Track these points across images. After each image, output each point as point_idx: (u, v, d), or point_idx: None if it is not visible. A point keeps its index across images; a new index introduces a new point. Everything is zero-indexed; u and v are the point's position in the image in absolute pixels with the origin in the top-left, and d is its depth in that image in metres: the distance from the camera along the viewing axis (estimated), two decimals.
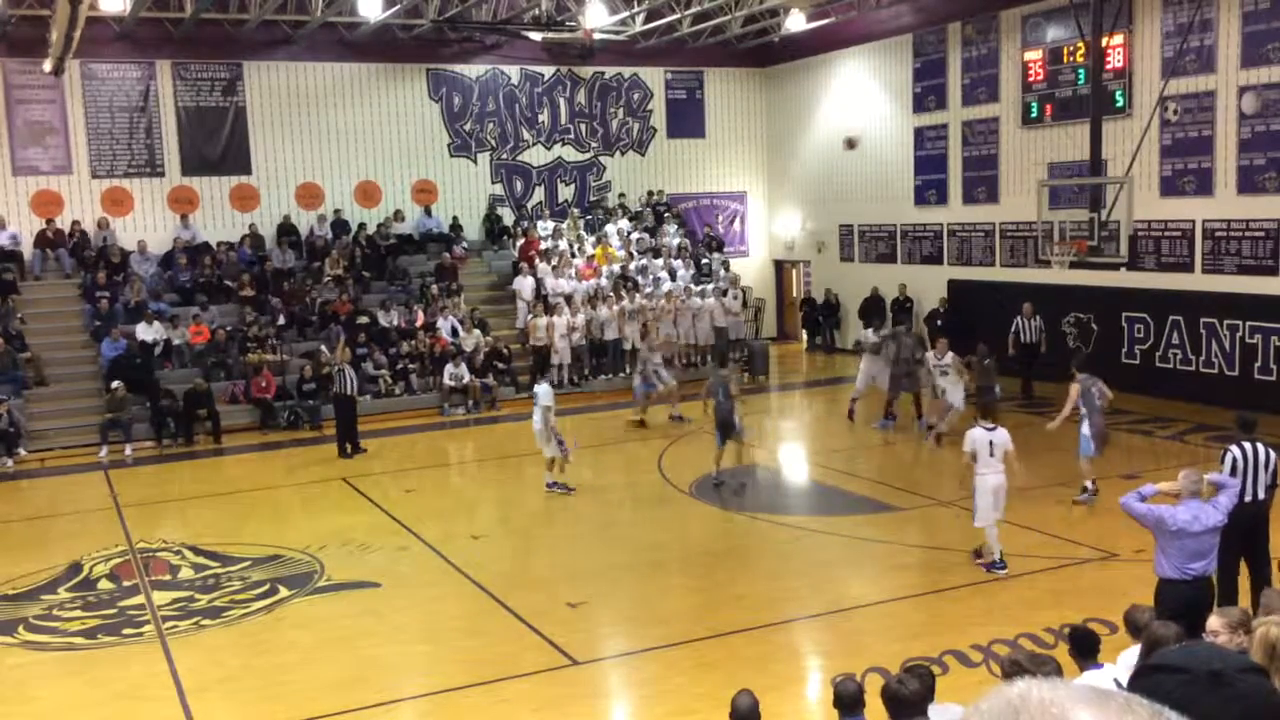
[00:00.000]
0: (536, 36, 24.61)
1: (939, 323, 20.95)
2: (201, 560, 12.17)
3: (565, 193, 26.17)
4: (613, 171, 26.60)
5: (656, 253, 24.92)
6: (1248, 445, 8.71)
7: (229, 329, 20.56)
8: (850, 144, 24.39)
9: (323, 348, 19.61)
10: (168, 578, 11.64)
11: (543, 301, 22.34)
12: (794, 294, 28.06)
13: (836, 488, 14.69)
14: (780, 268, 28.39)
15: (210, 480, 16.61)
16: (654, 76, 26.73)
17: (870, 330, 18.60)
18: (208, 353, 20.18)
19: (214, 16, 21.78)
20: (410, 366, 20.94)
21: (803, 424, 20.44)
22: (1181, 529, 7.42)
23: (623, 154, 26.67)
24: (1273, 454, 8.76)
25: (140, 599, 10.92)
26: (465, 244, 24.42)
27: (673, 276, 24.27)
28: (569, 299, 22.26)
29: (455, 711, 8.27)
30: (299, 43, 22.82)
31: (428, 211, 24.74)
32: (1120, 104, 18.81)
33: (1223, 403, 16.25)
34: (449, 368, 20.56)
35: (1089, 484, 12.89)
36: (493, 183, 25.43)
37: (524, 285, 22.92)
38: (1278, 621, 4.72)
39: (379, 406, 20.17)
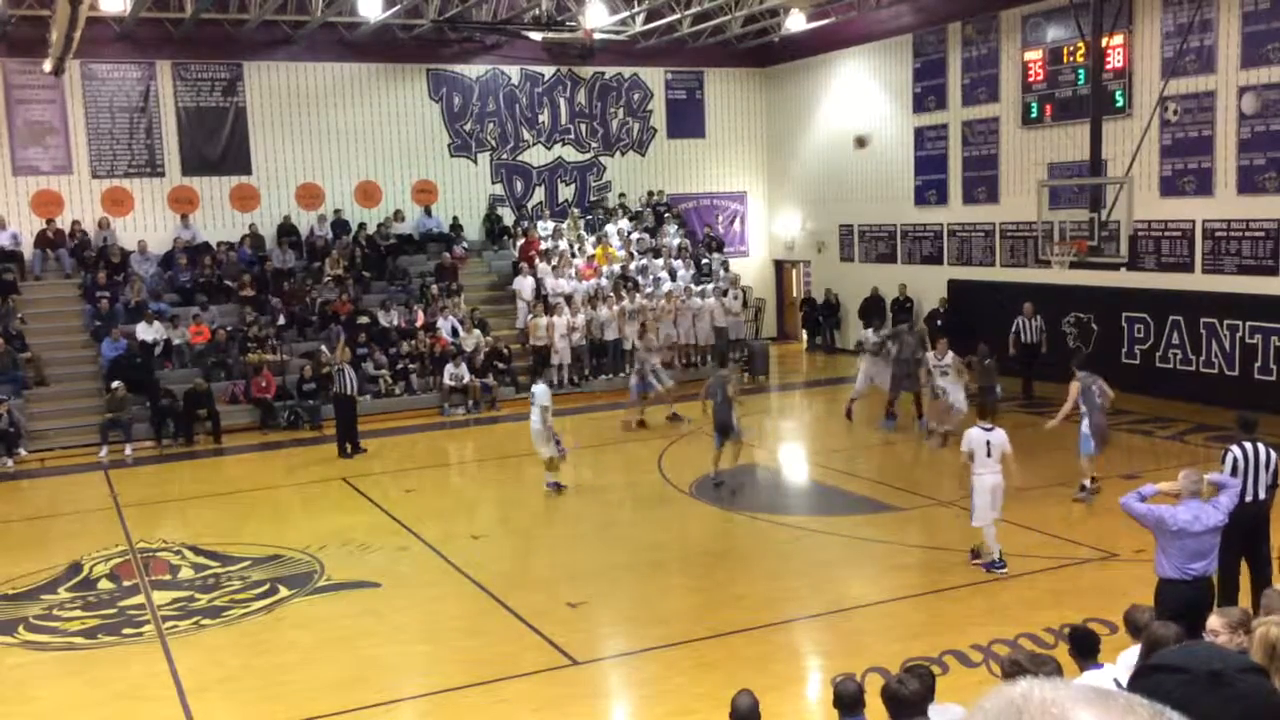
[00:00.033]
0: (537, 36, 24.61)
1: (939, 323, 20.96)
2: (201, 560, 12.17)
3: (565, 193, 26.17)
4: (613, 171, 26.60)
5: (656, 253, 24.92)
6: (1248, 445, 8.71)
7: (229, 329, 20.56)
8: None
9: (323, 348, 19.61)
10: (168, 577, 11.64)
11: (543, 301, 22.34)
12: (794, 294, 28.06)
13: (836, 488, 14.69)
14: (780, 268, 28.39)
15: (210, 480, 16.61)
16: (654, 76, 26.73)
17: (870, 331, 18.59)
18: (208, 353, 20.18)
19: (214, 16, 21.78)
20: (410, 366, 20.95)
21: (803, 424, 20.44)
22: (1182, 529, 7.42)
23: (623, 154, 26.67)
24: (1274, 454, 8.76)
25: (140, 599, 10.92)
26: (465, 244, 24.42)
27: (673, 276, 24.27)
28: (569, 299, 22.27)
29: (455, 711, 8.27)
30: (299, 43, 22.82)
31: (428, 211, 24.74)
32: (1120, 104, 18.80)
33: (1223, 403, 16.25)
34: (449, 368, 20.56)
35: (1086, 482, 12.93)
36: (493, 183, 25.43)
37: (524, 285, 22.92)
38: (1278, 621, 4.72)
39: (379, 406, 20.17)
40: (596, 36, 24.50)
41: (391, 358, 20.93)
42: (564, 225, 25.16)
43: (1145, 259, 18.50)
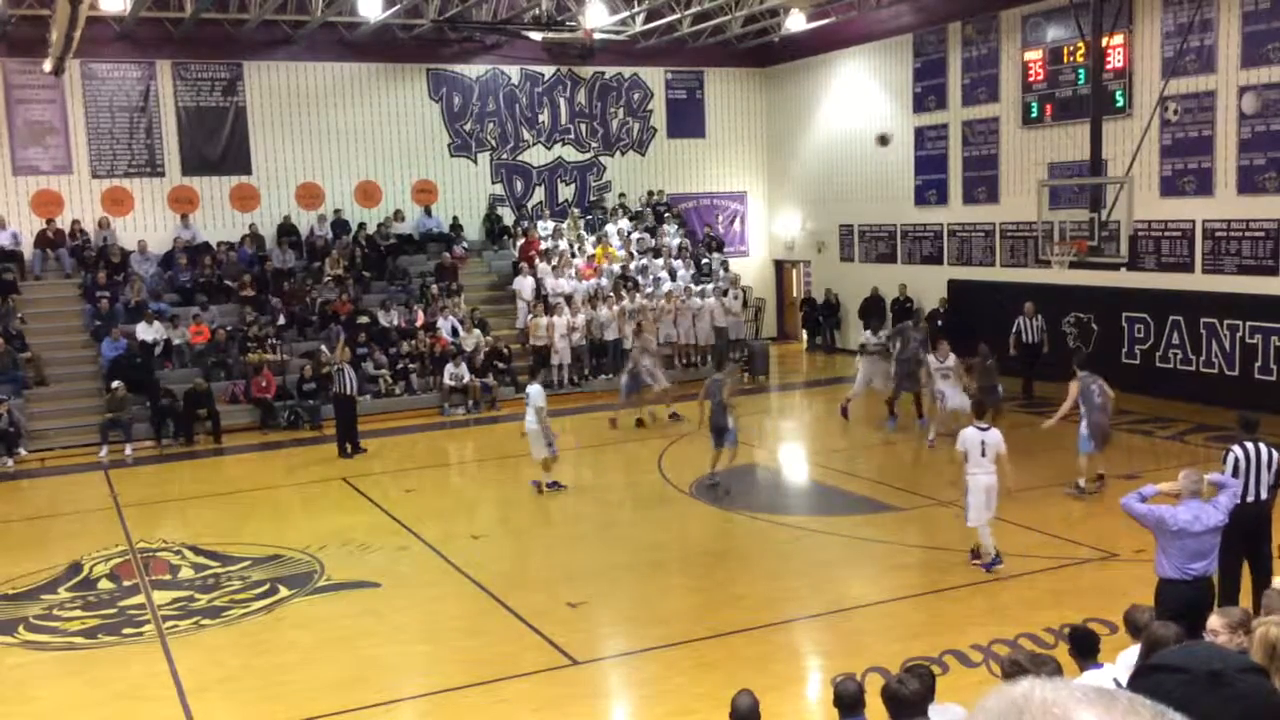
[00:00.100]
0: (537, 36, 24.61)
1: (939, 323, 20.95)
2: (201, 560, 12.17)
3: (565, 193, 26.18)
4: (613, 171, 26.60)
5: (656, 253, 24.93)
6: (1250, 445, 8.70)
7: (229, 329, 20.56)
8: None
9: (323, 348, 19.61)
10: (168, 577, 11.64)
11: (543, 301, 22.34)
12: (794, 294, 28.06)
13: (836, 488, 14.69)
14: (780, 268, 28.39)
15: (210, 480, 16.61)
16: (654, 76, 26.73)
17: (869, 332, 18.57)
18: (208, 353, 20.18)
19: (214, 16, 21.78)
20: (410, 366, 20.95)
21: (803, 424, 20.44)
22: (1182, 529, 7.42)
23: (623, 154, 26.67)
24: (1275, 454, 8.75)
25: (140, 599, 10.92)
26: (465, 244, 24.42)
27: (673, 276, 24.27)
28: (569, 299, 22.27)
29: (455, 711, 8.27)
30: (299, 43, 22.82)
31: (428, 211, 24.74)
32: (1120, 104, 18.80)
33: (1223, 403, 16.25)
34: (449, 368, 20.56)
35: (1081, 481, 12.99)
36: (493, 183, 25.43)
37: (524, 285, 22.92)
38: (1278, 621, 4.72)
39: (379, 406, 20.17)
40: (596, 36, 24.50)
41: (391, 358, 20.93)
42: (564, 225, 25.16)
43: (1145, 259, 18.50)
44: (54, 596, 11.15)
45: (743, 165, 27.92)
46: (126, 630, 10.12)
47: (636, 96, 26.67)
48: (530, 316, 22.16)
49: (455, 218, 24.81)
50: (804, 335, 27.15)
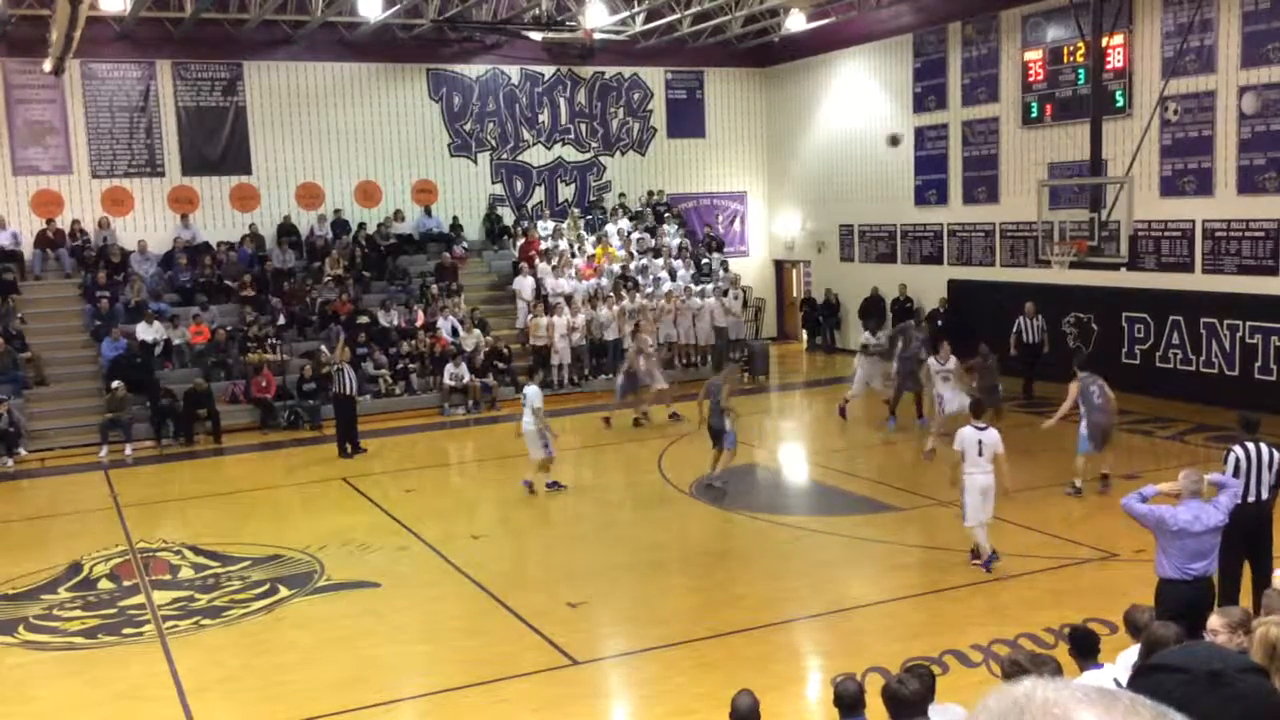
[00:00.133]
0: (536, 36, 24.60)
1: (939, 323, 20.94)
2: (201, 560, 12.17)
3: (565, 193, 26.18)
4: (613, 171, 26.60)
5: (656, 253, 24.93)
6: (1251, 445, 8.70)
7: (229, 329, 20.56)
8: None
9: (323, 348, 19.61)
10: (168, 577, 11.64)
11: (543, 301, 22.34)
12: (794, 294, 28.06)
13: (836, 488, 14.69)
14: (780, 268, 28.39)
15: (210, 480, 16.61)
16: (654, 76, 26.74)
17: (868, 334, 18.53)
18: (208, 353, 20.18)
19: (214, 16, 21.78)
20: (410, 366, 20.95)
21: (803, 424, 20.44)
22: (1183, 529, 7.42)
23: (623, 154, 26.67)
24: (1276, 454, 8.75)
25: (140, 599, 10.92)
26: (465, 244, 24.42)
27: (673, 276, 24.27)
28: (569, 299, 22.27)
29: (455, 711, 8.27)
30: (299, 43, 22.82)
31: (428, 211, 24.74)
32: (1120, 104, 18.81)
33: (1223, 403, 16.25)
34: (449, 368, 20.56)
35: (1078, 481, 13.02)
36: (493, 183, 25.43)
37: (524, 285, 22.92)
38: (1278, 621, 4.72)
39: (379, 406, 20.17)
40: (596, 36, 24.50)
41: (391, 358, 20.93)
42: (564, 225, 25.16)
43: (1145, 259, 18.50)
44: (54, 596, 11.15)
45: (743, 165, 27.92)
46: (126, 630, 10.12)
47: (636, 96, 26.67)
48: (530, 316, 22.16)
49: (455, 218, 24.81)
50: (804, 335, 27.15)
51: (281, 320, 21.27)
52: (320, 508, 14.57)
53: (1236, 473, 8.52)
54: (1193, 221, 17.93)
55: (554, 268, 23.37)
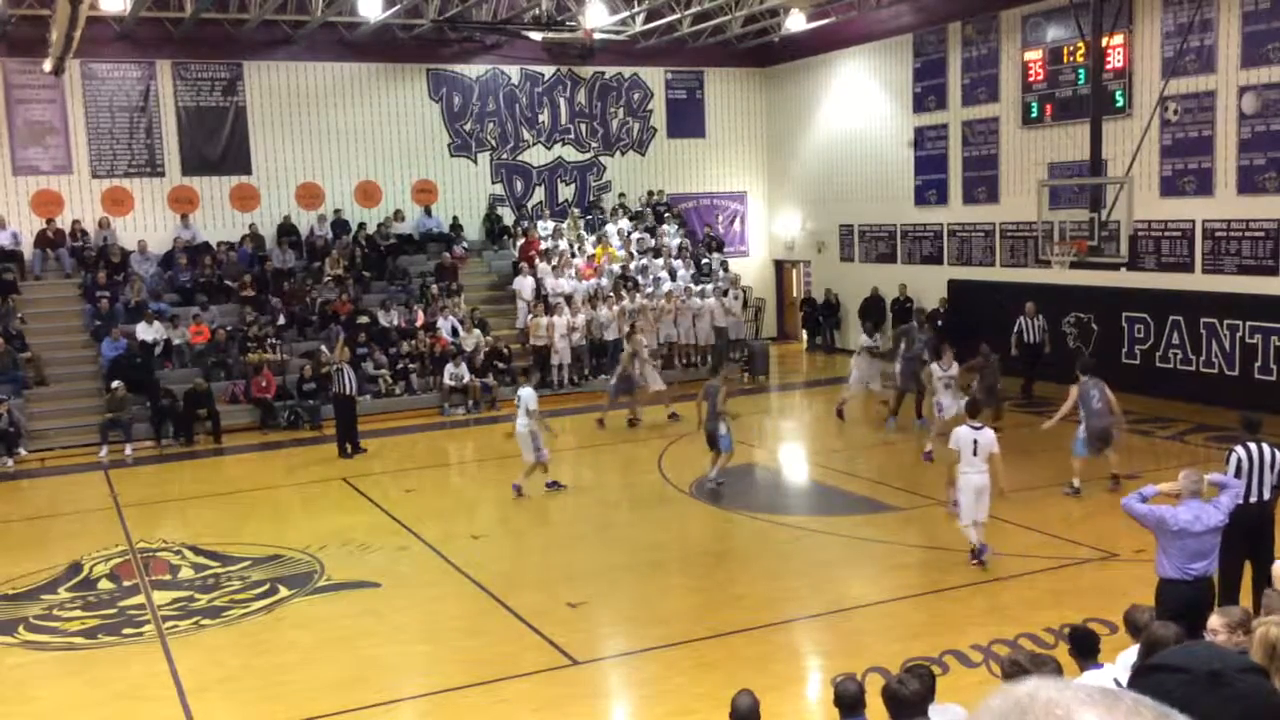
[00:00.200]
0: (536, 36, 24.60)
1: (939, 323, 20.91)
2: (201, 560, 12.17)
3: (565, 193, 26.18)
4: (613, 171, 26.60)
5: (656, 253, 24.93)
6: (1253, 446, 8.70)
7: (229, 329, 20.56)
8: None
9: (323, 348, 19.61)
10: (168, 577, 11.64)
11: (543, 301, 22.34)
12: (794, 294, 28.06)
13: (836, 488, 14.69)
14: (780, 268, 28.39)
15: (210, 480, 16.61)
16: (654, 76, 26.73)
17: (865, 336, 18.47)
18: (208, 353, 20.18)
19: (214, 16, 21.78)
20: (410, 366, 20.95)
21: (802, 424, 20.44)
22: (1183, 529, 7.42)
23: (623, 154, 26.67)
24: (1278, 454, 8.75)
25: (140, 599, 10.92)
26: (465, 244, 24.42)
27: (673, 276, 24.27)
28: (569, 299, 22.27)
29: (455, 711, 8.27)
30: (299, 43, 22.82)
31: (428, 211, 24.74)
32: (1120, 104, 18.81)
33: (1223, 403, 16.27)
34: (449, 368, 20.56)
35: (1076, 481, 13.04)
36: (493, 183, 25.43)
37: (524, 285, 22.92)
38: (1278, 621, 4.72)
39: (379, 406, 20.17)
40: (596, 36, 24.50)
41: (391, 358, 20.93)
42: (564, 225, 25.16)
43: (1145, 259, 18.50)
44: (54, 596, 11.15)
45: (743, 165, 27.92)
46: (126, 630, 10.12)
47: (636, 96, 26.67)
48: (530, 316, 22.16)
49: (455, 218, 24.81)
50: (804, 335, 27.15)
51: (281, 320, 21.27)
52: (320, 508, 14.57)
53: (1238, 473, 8.52)
54: (1193, 221, 17.93)
55: (554, 268, 23.37)
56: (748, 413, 18.75)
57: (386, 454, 17.64)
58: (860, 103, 24.77)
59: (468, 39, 24.61)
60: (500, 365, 21.30)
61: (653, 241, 25.40)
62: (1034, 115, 20.51)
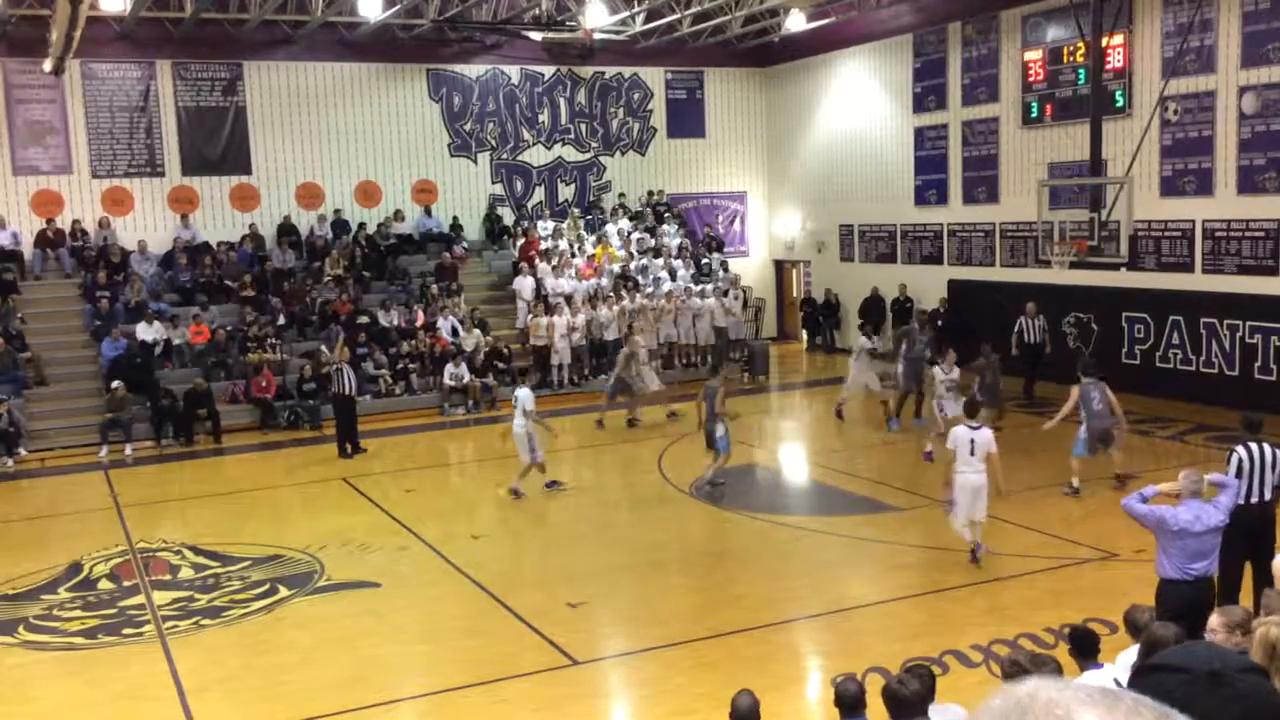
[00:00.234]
0: (536, 36, 24.61)
1: (939, 323, 20.91)
2: (201, 560, 12.17)
3: (565, 193, 26.18)
4: (613, 171, 26.60)
5: (656, 253, 24.93)
6: (1254, 446, 8.70)
7: (229, 329, 20.56)
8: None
9: (323, 348, 19.61)
10: (168, 578, 11.64)
11: (543, 301, 22.34)
12: (794, 294, 28.06)
13: (836, 488, 14.69)
14: (780, 268, 28.39)
15: (210, 480, 16.61)
16: (654, 76, 26.73)
17: (865, 338, 18.45)
18: (208, 353, 20.18)
19: (214, 16, 21.78)
20: (410, 366, 20.95)
21: (802, 424, 20.44)
22: (1183, 529, 7.42)
23: (623, 154, 26.66)
24: (1279, 455, 8.75)
25: (140, 599, 10.92)
26: (465, 244, 24.42)
27: (673, 276, 24.27)
28: (569, 299, 22.27)
29: (455, 711, 8.27)
30: (299, 43, 22.82)
31: (428, 211, 24.74)
32: (1120, 104, 18.81)
33: (1223, 403, 16.27)
34: (449, 368, 20.56)
35: (1075, 481, 13.06)
36: (493, 183, 25.43)
37: (524, 285, 22.92)
38: (1278, 622, 4.72)
39: (379, 406, 20.17)
40: (596, 36, 24.50)
41: (391, 358, 20.93)
42: (564, 225, 25.16)
43: (1145, 259, 18.50)
44: (54, 596, 11.15)
45: (743, 165, 27.92)
46: (126, 630, 10.12)
47: (636, 96, 26.67)
48: (530, 316, 22.16)
49: (455, 218, 24.81)
50: (804, 335, 27.16)
51: (281, 320, 21.27)
52: (320, 508, 14.57)
53: (1239, 473, 8.52)
54: (1193, 221, 17.93)
55: (554, 268, 23.37)
56: (748, 413, 18.74)
57: (386, 454, 17.64)
58: (860, 103, 24.77)
59: (468, 39, 24.61)
60: (500, 365, 21.30)
61: (653, 241, 25.40)
62: (1034, 115, 20.51)
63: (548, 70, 25.60)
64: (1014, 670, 5.08)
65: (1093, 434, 12.94)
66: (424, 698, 8.64)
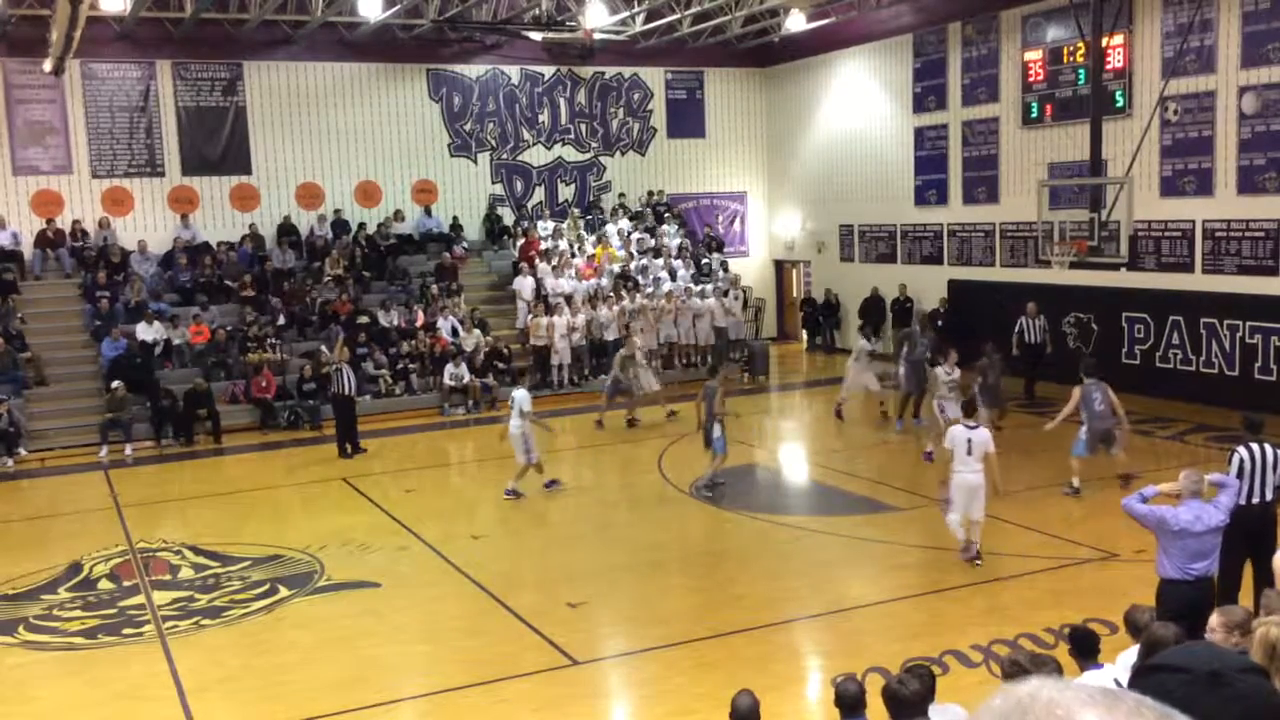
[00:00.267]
0: (536, 36, 24.60)
1: (939, 324, 20.90)
2: (201, 560, 12.17)
3: (565, 193, 26.18)
4: (613, 171, 26.59)
5: (656, 253, 24.93)
6: (1255, 446, 8.70)
7: (229, 329, 20.56)
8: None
9: (323, 348, 19.61)
10: (168, 578, 11.63)
11: (543, 301, 22.34)
12: (794, 294, 28.06)
13: (836, 488, 14.69)
14: (780, 268, 28.39)
15: (210, 480, 16.61)
16: (654, 76, 26.73)
17: (864, 340, 18.44)
18: (208, 353, 20.18)
19: (214, 16, 21.78)
20: (410, 366, 20.95)
21: (802, 424, 20.44)
22: (1184, 529, 7.42)
23: (623, 154, 26.67)
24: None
25: (140, 599, 10.92)
26: (465, 244, 24.42)
27: (673, 276, 24.27)
28: (569, 299, 22.27)
29: (455, 711, 8.27)
30: (299, 43, 22.82)
31: (428, 211, 24.74)
32: (1120, 104, 18.80)
33: (1223, 403, 16.27)
34: (449, 368, 20.56)
35: (1075, 481, 13.06)
36: (493, 183, 25.43)
37: (524, 285, 22.92)
38: (1278, 622, 4.72)
39: (379, 406, 20.17)
40: (596, 36, 24.50)
41: (391, 358, 20.93)
42: (564, 225, 25.16)
43: (1145, 259, 18.50)
44: (54, 596, 11.15)
45: (743, 165, 27.92)
46: (126, 630, 10.12)
47: (636, 96, 26.67)
48: (530, 316, 22.16)
49: (455, 218, 24.81)
50: (804, 335, 27.15)
51: (281, 320, 21.27)
52: (320, 508, 14.57)
53: (1240, 473, 8.52)
54: (1193, 221, 17.93)
55: (554, 268, 23.37)
56: (748, 413, 18.76)
57: (386, 454, 17.64)
58: (860, 103, 24.77)
59: (468, 39, 24.61)
60: (500, 365, 21.30)
61: (653, 241, 25.40)
62: (1034, 115, 20.51)
63: (548, 70, 25.60)
64: (1014, 670, 5.08)
65: (1094, 434, 12.96)
66: (424, 698, 8.64)
